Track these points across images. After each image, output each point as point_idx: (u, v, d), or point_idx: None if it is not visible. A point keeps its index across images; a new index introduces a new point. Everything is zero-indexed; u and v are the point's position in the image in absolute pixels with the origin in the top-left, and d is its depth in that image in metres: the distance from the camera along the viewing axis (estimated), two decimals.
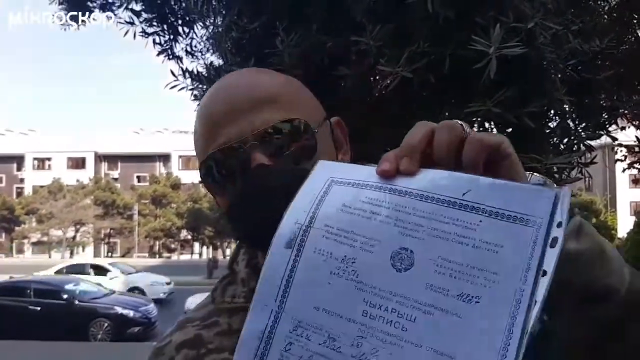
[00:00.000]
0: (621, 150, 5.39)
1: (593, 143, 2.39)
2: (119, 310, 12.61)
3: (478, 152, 0.51)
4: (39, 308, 12.46)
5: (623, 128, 4.08)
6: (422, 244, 0.48)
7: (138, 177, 47.73)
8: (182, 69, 2.35)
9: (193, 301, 11.05)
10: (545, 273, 0.44)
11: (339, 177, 0.55)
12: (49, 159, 48.22)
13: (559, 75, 2.06)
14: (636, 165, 5.51)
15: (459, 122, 0.53)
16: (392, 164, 0.53)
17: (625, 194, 35.72)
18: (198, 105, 0.82)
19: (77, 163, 47.71)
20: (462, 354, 0.44)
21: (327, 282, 0.50)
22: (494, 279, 0.45)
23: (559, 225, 0.46)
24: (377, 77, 1.76)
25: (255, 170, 0.70)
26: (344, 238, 0.51)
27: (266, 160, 0.71)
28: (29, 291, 12.84)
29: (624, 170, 5.67)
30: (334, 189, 0.55)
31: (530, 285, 0.44)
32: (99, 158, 48.52)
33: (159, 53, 2.69)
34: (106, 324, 12.37)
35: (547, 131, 1.94)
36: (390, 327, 0.47)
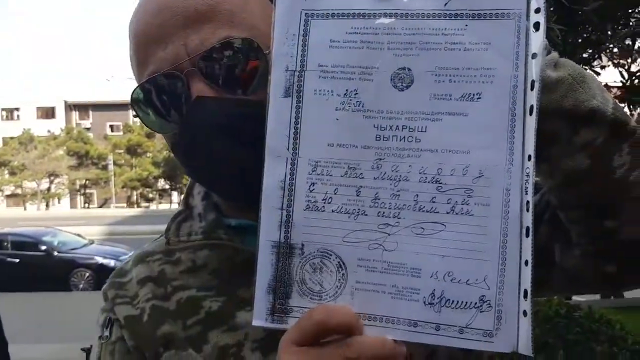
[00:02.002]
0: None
1: None
2: (99, 260, 12.59)
3: None
4: (17, 260, 12.37)
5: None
6: (417, 59, 0.51)
7: (111, 126, 46.66)
8: None
9: None
10: (535, 55, 0.48)
11: (311, 7, 0.53)
12: (17, 109, 46.66)
13: (551, 7, 1.98)
14: None
15: None
16: None
17: None
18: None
19: (47, 113, 46.28)
20: (475, 147, 0.49)
21: (334, 118, 0.52)
22: (489, 74, 0.49)
23: (537, 10, 0.49)
24: None
25: (196, 103, 0.61)
26: (341, 74, 0.52)
27: (207, 89, 0.61)
28: (6, 243, 12.70)
29: None
30: (314, 26, 0.53)
31: (523, 68, 0.48)
32: (69, 107, 47.10)
33: None
34: (87, 274, 12.38)
35: None
36: (404, 142, 0.50)
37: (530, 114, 0.48)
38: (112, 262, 12.57)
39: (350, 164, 0.51)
